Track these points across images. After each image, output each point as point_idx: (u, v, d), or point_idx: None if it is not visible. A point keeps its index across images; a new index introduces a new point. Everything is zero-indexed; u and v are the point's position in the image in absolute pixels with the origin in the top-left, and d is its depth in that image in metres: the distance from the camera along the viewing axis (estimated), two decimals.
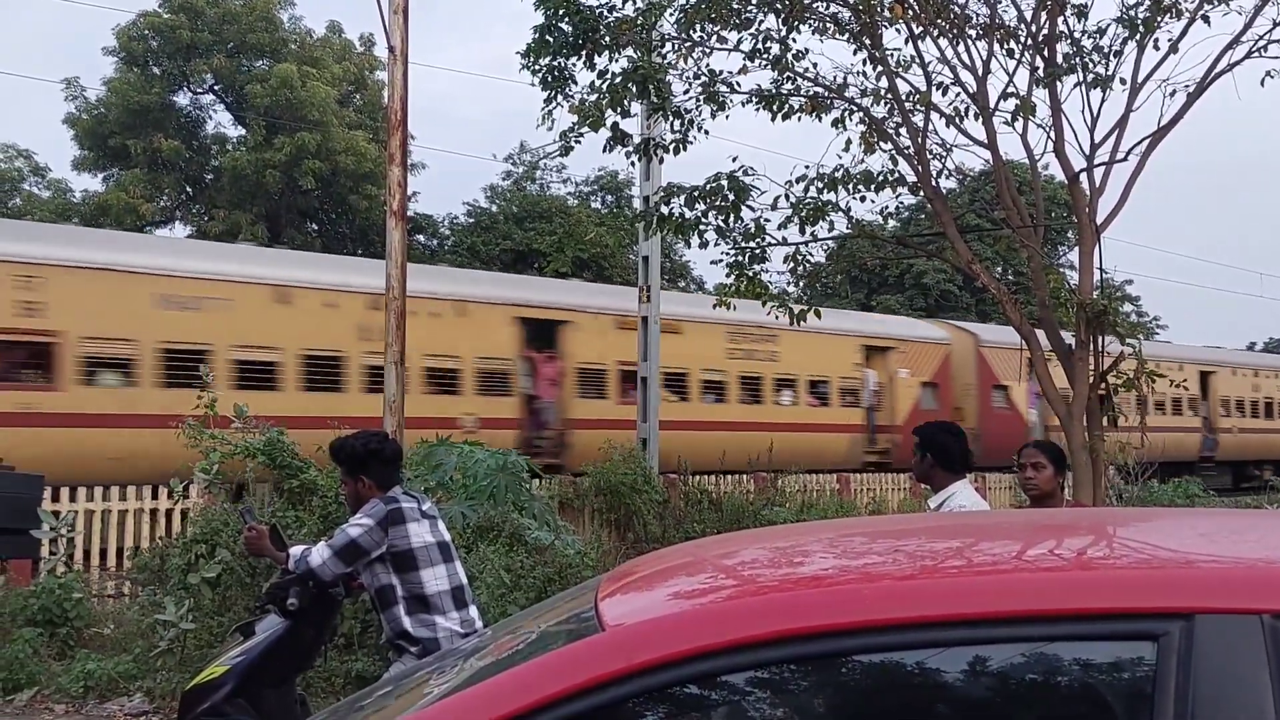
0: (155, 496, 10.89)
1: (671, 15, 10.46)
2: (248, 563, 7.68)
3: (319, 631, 4.96)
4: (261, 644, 4.69)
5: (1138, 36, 9.81)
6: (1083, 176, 9.87)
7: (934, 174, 10.47)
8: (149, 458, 11.65)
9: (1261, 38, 9.71)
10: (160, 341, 13.80)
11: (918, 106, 10.27)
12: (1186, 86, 9.82)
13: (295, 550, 4.75)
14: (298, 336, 14.84)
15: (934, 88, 10.23)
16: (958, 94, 10.32)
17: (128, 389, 13.32)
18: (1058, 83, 9.88)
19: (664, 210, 10.71)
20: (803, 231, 10.56)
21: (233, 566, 7.82)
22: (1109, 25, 10.06)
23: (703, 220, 10.46)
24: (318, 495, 8.48)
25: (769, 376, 20.45)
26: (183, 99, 30.56)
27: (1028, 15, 10.10)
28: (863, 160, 10.49)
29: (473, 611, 4.76)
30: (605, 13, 10.23)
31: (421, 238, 33.31)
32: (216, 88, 30.46)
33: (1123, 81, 9.96)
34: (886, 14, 10.00)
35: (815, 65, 10.71)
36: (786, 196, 10.42)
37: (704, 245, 10.67)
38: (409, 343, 15.59)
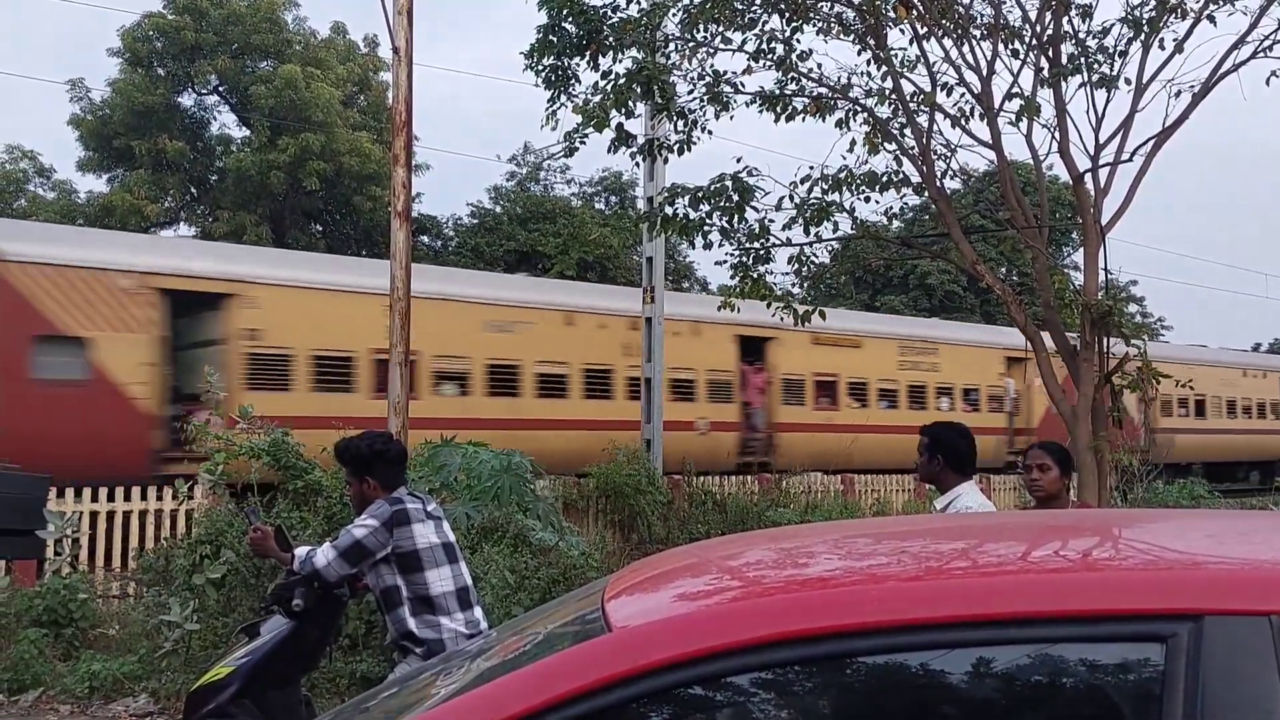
0: (160, 497, 10.90)
1: (675, 16, 10.46)
2: (252, 564, 7.69)
3: (324, 632, 4.96)
4: (267, 645, 4.69)
5: (1143, 36, 9.80)
6: (1087, 177, 9.86)
7: (938, 174, 10.47)
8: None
9: (1267, 38, 9.70)
10: (487, 358, 16.49)
11: (922, 107, 10.27)
12: (1192, 87, 9.81)
13: (300, 551, 4.74)
14: (581, 352, 17.62)
15: (938, 88, 10.23)
16: (962, 94, 10.32)
17: (462, 398, 15.99)
18: (1062, 83, 9.87)
19: (668, 211, 10.70)
20: (807, 232, 10.55)
21: (238, 567, 7.83)
22: (1114, 25, 10.06)
23: (707, 221, 10.45)
24: (322, 496, 8.48)
25: (931, 385, 22.69)
26: (187, 100, 30.58)
27: (1032, 15, 10.10)
28: (867, 161, 10.49)
29: (478, 613, 4.75)
30: (609, 13, 10.23)
31: (425, 238, 33.33)
32: (221, 89, 30.48)
33: (1128, 82, 9.96)
34: (891, 14, 9.99)
35: (820, 66, 10.71)
36: (791, 197, 10.42)
37: (708, 246, 10.67)
38: (665, 357, 17.30)
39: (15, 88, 62.36)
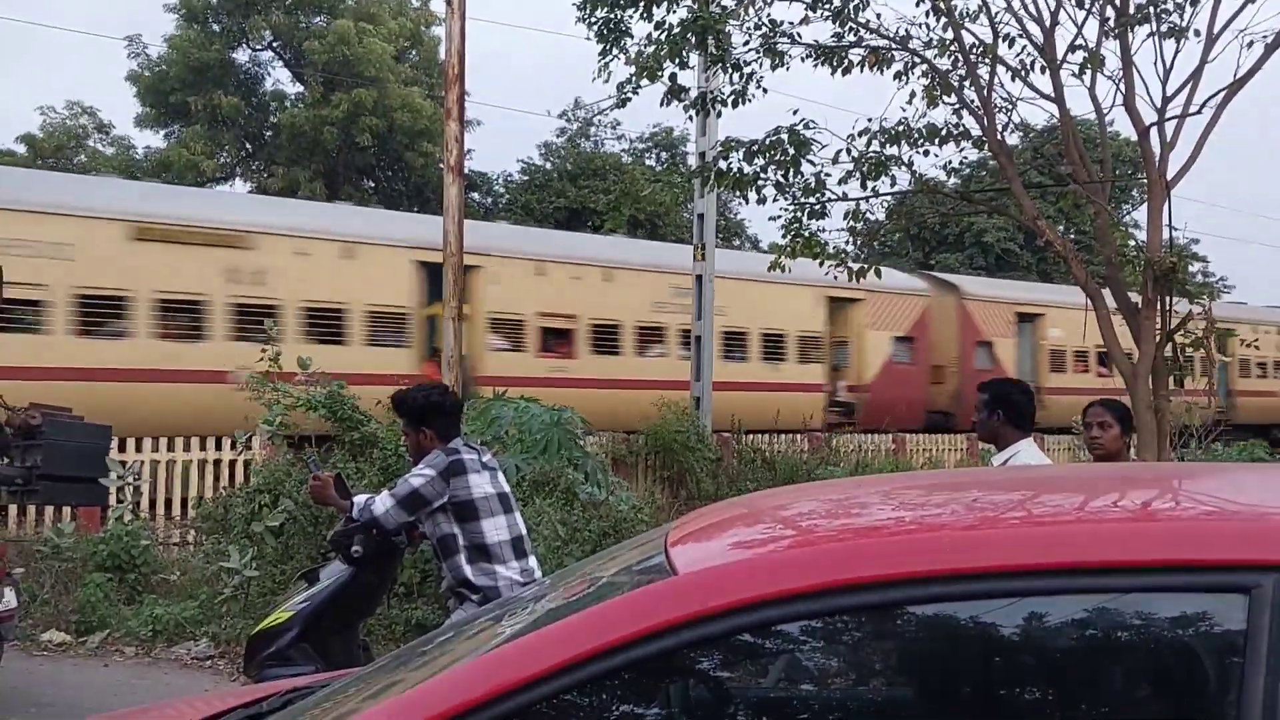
0: (219, 448, 11.10)
1: None
2: (310, 512, 7.81)
3: (381, 579, 5.03)
4: (326, 590, 4.77)
5: None
6: (1153, 131, 9.60)
7: (999, 128, 10.24)
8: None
9: None
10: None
11: (983, 59, 10.04)
12: (1265, 37, 9.47)
13: (359, 499, 4.81)
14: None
15: (1000, 39, 9.98)
16: (1024, 46, 10.06)
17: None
18: (1129, 33, 9.59)
19: (721, 165, 10.59)
20: (864, 187, 10.39)
21: (295, 516, 7.95)
22: None
23: (761, 175, 10.32)
24: (378, 448, 8.56)
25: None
26: (242, 56, 30.83)
27: None
28: (926, 114, 10.29)
29: (532, 561, 4.80)
30: None
31: (476, 195, 33.40)
32: (275, 44, 30.65)
33: (1198, 33, 9.65)
34: None
35: (878, 16, 10.48)
36: (848, 151, 10.25)
37: (762, 201, 10.53)
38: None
39: (76, 44, 63.16)
